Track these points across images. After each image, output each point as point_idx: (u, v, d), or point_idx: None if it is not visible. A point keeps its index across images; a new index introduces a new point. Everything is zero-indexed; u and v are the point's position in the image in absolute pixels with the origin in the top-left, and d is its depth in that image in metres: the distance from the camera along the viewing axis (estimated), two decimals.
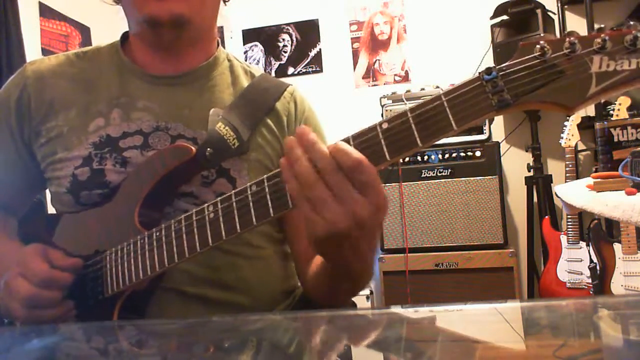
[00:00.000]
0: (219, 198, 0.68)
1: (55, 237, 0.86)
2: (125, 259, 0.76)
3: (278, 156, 0.91)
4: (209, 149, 0.80)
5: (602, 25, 0.54)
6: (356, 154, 0.57)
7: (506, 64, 0.56)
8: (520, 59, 0.55)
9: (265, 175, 0.64)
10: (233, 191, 0.67)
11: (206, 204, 0.69)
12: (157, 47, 0.88)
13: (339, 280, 0.77)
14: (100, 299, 0.79)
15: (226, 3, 0.95)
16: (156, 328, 0.72)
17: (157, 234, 0.74)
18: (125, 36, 0.94)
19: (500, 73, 0.55)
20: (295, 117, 0.94)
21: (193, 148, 0.79)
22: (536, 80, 0.54)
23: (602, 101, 2.43)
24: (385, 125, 0.59)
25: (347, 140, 0.61)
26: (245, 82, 0.94)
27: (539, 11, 2.61)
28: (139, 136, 0.84)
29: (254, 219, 0.65)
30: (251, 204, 0.65)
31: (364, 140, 0.60)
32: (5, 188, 0.94)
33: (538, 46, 0.54)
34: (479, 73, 0.56)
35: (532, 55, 0.55)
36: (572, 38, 0.53)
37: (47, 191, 0.96)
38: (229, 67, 0.95)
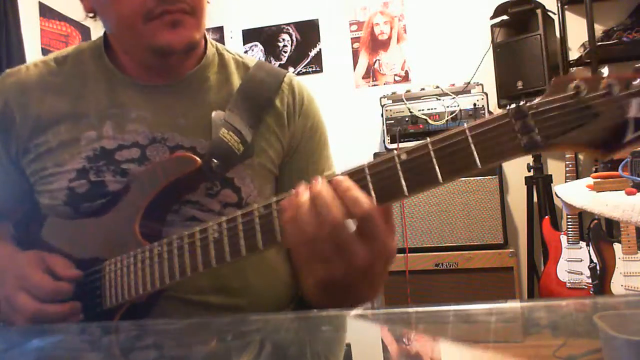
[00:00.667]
0: (224, 218, 0.65)
1: (53, 242, 0.84)
2: (125, 272, 0.74)
3: (279, 157, 0.89)
4: (214, 160, 0.77)
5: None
6: (367, 204, 0.54)
7: (537, 101, 0.51)
8: (552, 97, 0.51)
9: (273, 199, 0.61)
10: (239, 212, 0.63)
11: (210, 223, 0.66)
12: (150, 65, 0.84)
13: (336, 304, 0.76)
14: (98, 311, 0.77)
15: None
16: (156, 328, 0.71)
17: (159, 248, 0.71)
18: (106, 36, 0.89)
19: (531, 111, 0.51)
20: (294, 110, 0.91)
21: (198, 160, 0.76)
22: (569, 122, 0.50)
23: None
24: (404, 157, 0.55)
25: (361, 169, 0.57)
26: (237, 76, 0.90)
27: (539, 11, 2.61)
28: (136, 149, 0.82)
29: (260, 244, 0.62)
30: (258, 227, 0.61)
31: (380, 171, 0.56)
32: None
33: (572, 84, 0.50)
34: (508, 110, 0.52)
35: (566, 95, 0.50)
36: (610, 79, 0.49)
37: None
38: (219, 63, 0.90)
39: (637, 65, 0.50)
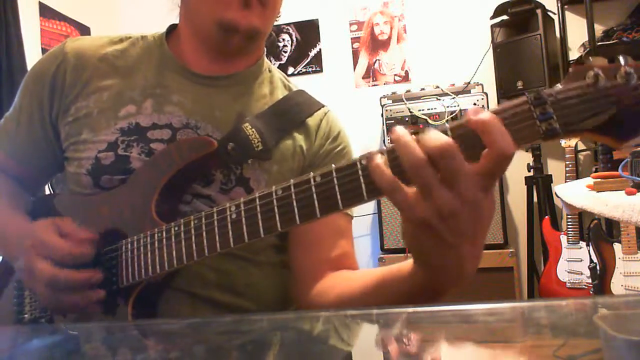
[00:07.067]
0: (242, 199, 0.65)
1: (69, 217, 0.85)
2: (142, 251, 0.75)
3: (301, 173, 0.87)
4: (231, 143, 0.79)
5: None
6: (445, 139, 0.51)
7: (556, 89, 0.52)
8: (571, 85, 0.51)
9: (292, 181, 0.61)
10: (257, 194, 0.64)
11: (228, 204, 0.67)
12: (211, 49, 0.87)
13: (419, 294, 0.66)
14: (114, 289, 0.78)
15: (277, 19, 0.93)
16: (156, 328, 0.72)
17: (176, 229, 0.72)
18: (169, 29, 0.94)
19: (550, 99, 0.51)
20: (326, 137, 0.92)
21: (215, 142, 0.78)
22: (587, 110, 0.51)
23: None
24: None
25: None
26: (281, 94, 0.93)
27: (539, 11, 2.61)
28: (168, 130, 0.84)
29: (278, 225, 0.62)
30: (276, 209, 0.62)
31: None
32: (25, 162, 0.92)
33: (591, 72, 0.51)
34: (527, 97, 0.52)
35: (585, 83, 0.51)
36: (627, 67, 0.49)
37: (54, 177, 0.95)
38: (269, 78, 0.94)
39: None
